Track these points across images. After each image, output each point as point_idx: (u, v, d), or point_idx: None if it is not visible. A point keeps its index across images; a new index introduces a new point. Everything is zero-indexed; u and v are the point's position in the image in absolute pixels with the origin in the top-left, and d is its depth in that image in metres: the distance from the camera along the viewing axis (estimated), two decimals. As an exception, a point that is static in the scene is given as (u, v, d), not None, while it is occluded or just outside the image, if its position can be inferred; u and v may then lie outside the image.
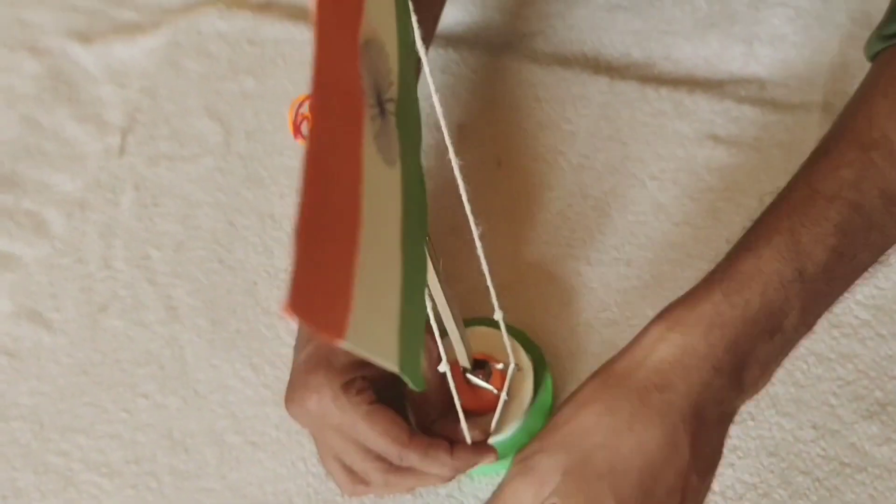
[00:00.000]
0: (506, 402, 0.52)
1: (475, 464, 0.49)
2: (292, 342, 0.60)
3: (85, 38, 0.73)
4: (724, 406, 0.46)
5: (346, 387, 0.47)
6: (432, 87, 0.38)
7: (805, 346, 0.56)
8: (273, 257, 0.63)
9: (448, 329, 0.48)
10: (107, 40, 0.72)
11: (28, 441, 0.58)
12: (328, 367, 0.47)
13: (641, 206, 0.63)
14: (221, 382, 0.59)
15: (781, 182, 0.52)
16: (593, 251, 0.62)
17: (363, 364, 0.49)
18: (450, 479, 0.51)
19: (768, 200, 0.51)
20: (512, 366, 0.53)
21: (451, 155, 0.40)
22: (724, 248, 0.60)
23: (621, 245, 0.62)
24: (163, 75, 0.71)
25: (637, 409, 0.44)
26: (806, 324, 0.47)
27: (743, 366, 0.45)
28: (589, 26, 0.70)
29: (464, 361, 0.52)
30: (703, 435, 0.45)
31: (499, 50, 0.70)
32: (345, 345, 0.25)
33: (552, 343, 0.59)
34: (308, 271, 0.23)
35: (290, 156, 0.67)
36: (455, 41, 0.70)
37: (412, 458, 0.47)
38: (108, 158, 0.68)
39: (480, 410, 0.54)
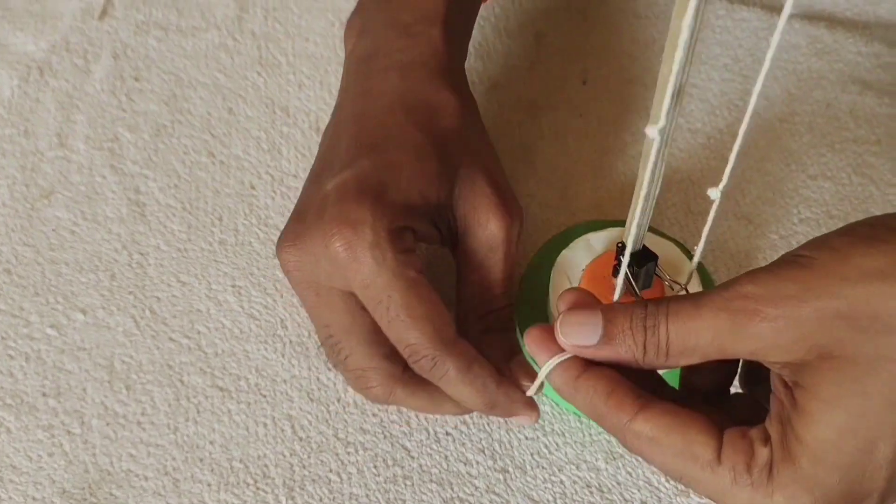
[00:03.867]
0: None
1: (511, 412, 0.34)
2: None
3: None
4: None
5: (394, 235, 0.32)
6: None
7: None
8: (280, 158, 0.48)
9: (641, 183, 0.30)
10: None
11: (-87, 351, 0.42)
12: (377, 199, 0.32)
13: (765, 152, 0.48)
14: (189, 305, 0.44)
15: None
16: (697, 198, 0.47)
17: (418, 213, 0.34)
18: (467, 413, 0.36)
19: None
20: (692, 271, 0.36)
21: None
22: (875, 209, 0.46)
23: (740, 196, 0.47)
24: (170, -66, 0.56)
25: None
26: None
27: None
28: (705, -58, 0.57)
29: (630, 242, 0.34)
30: None
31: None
32: None
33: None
34: None
35: (318, 42, 0.52)
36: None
37: (446, 370, 0.32)
38: (84, 19, 0.53)
39: None
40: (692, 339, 0.28)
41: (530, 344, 0.31)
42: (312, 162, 0.39)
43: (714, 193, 0.29)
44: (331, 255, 0.32)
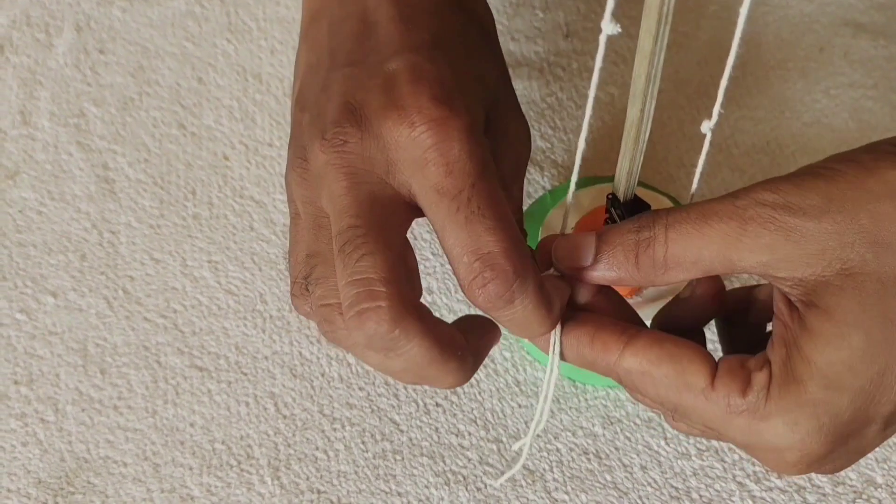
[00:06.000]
0: None
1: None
2: (270, 235, 0.43)
3: None
4: None
5: (482, 124, 0.29)
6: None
7: None
8: (254, 126, 0.46)
9: (628, 125, 0.29)
10: None
11: None
12: (462, 84, 0.28)
13: (758, 100, 0.47)
14: (164, 283, 0.42)
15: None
16: (689, 151, 0.45)
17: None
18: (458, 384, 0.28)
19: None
20: None
21: None
22: (876, 157, 0.45)
23: (733, 146, 0.45)
24: None
25: None
26: None
27: None
28: None
29: (622, 190, 0.33)
30: None
31: None
32: None
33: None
34: None
35: (289, 6, 0.50)
36: None
37: (525, 292, 0.26)
38: (44, -9, 0.51)
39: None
40: (695, 250, 0.26)
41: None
42: (297, 93, 0.32)
43: (706, 126, 0.27)
44: (410, 138, 0.27)
